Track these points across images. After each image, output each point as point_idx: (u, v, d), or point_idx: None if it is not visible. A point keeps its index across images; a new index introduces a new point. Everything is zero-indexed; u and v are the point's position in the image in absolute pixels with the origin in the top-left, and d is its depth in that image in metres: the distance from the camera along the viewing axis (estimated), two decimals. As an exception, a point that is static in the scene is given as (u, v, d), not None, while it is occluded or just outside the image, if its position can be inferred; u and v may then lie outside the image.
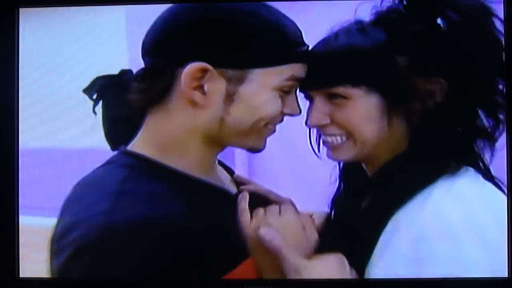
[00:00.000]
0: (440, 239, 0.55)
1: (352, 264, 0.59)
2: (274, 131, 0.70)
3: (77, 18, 1.07)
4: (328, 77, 0.63)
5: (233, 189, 0.75)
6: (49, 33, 1.11)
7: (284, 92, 0.65)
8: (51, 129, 1.15)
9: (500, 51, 0.60)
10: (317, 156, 0.73)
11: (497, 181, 0.62)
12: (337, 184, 0.76)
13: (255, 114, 0.65)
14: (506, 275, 0.64)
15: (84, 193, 0.65)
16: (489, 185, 0.61)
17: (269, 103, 0.65)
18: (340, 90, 0.62)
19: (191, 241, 0.61)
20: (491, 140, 0.62)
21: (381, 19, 0.64)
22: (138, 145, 0.69)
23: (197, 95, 0.64)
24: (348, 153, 0.65)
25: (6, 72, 0.94)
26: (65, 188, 0.66)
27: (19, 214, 0.93)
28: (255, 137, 0.67)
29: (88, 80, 0.78)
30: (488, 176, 0.61)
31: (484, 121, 0.62)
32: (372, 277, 0.58)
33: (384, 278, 0.60)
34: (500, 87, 0.60)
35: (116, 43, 1.19)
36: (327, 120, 0.65)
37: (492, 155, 0.62)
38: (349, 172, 0.74)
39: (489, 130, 0.61)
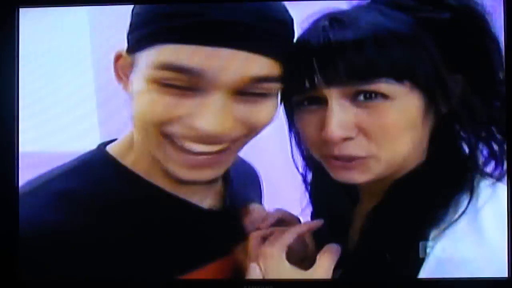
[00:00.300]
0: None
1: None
2: (208, 164, 0.48)
3: (77, 18, 1.07)
4: (361, 69, 0.46)
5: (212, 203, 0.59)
6: (49, 33, 1.11)
7: (178, 88, 0.45)
8: (52, 131, 1.15)
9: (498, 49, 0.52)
10: (303, 178, 0.59)
11: None
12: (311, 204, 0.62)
13: (137, 111, 0.49)
14: (506, 275, 0.64)
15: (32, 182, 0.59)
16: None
17: (143, 99, 0.47)
18: (381, 86, 0.47)
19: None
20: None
21: (390, 3, 0.51)
22: (119, 139, 0.59)
23: (123, 84, 0.55)
24: (369, 173, 0.50)
25: (6, 72, 0.94)
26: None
27: (19, 214, 0.93)
28: (163, 157, 0.49)
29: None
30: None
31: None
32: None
33: (384, 278, 0.55)
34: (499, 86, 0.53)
35: (116, 43, 1.19)
36: (353, 132, 0.48)
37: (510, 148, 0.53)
38: (330, 189, 0.58)
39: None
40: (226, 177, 0.60)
